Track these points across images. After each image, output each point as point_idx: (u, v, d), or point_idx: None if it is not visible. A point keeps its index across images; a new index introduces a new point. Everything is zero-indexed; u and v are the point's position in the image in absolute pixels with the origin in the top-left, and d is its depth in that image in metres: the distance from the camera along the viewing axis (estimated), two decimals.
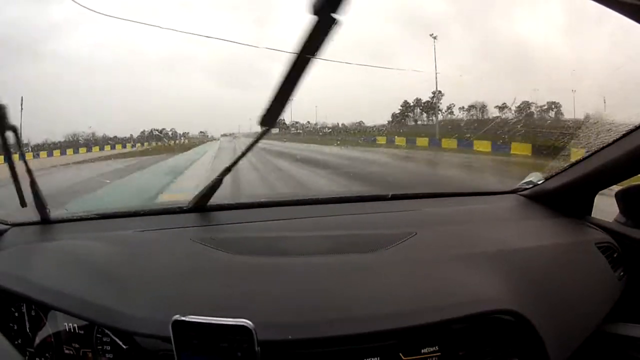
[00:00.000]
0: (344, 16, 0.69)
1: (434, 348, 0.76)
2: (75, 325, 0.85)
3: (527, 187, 1.30)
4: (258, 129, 0.93)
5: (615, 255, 1.07)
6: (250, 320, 0.65)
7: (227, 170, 1.09)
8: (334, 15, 0.70)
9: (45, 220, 1.16)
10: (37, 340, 0.90)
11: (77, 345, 0.85)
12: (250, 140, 1.02)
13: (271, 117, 0.88)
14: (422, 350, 0.76)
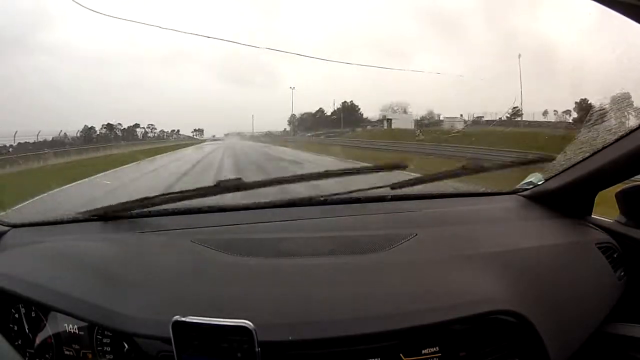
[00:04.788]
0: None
1: (434, 349, 0.76)
2: (76, 326, 0.85)
3: (528, 187, 1.30)
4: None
5: (615, 256, 1.07)
6: (251, 321, 0.65)
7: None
8: None
9: (45, 222, 1.16)
10: (37, 341, 0.90)
11: (77, 347, 0.85)
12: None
13: None
14: (423, 351, 0.76)
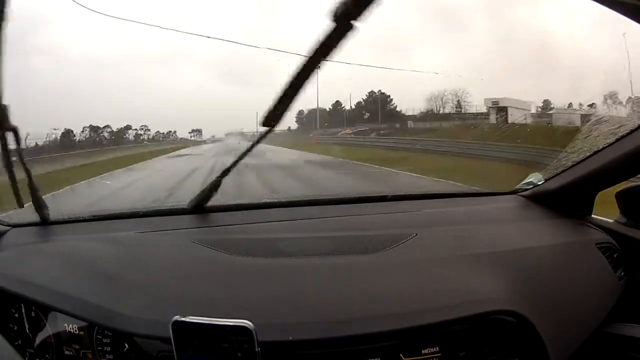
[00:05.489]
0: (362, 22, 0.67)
1: (434, 349, 0.76)
2: (76, 326, 0.85)
3: (528, 187, 1.30)
4: (261, 127, 0.89)
5: (615, 256, 1.07)
6: (251, 321, 0.65)
7: (227, 171, 1.09)
8: (353, 22, 0.68)
9: (45, 222, 1.16)
10: (37, 341, 0.90)
11: (77, 346, 0.85)
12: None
13: (274, 118, 0.87)
14: (423, 351, 0.76)
